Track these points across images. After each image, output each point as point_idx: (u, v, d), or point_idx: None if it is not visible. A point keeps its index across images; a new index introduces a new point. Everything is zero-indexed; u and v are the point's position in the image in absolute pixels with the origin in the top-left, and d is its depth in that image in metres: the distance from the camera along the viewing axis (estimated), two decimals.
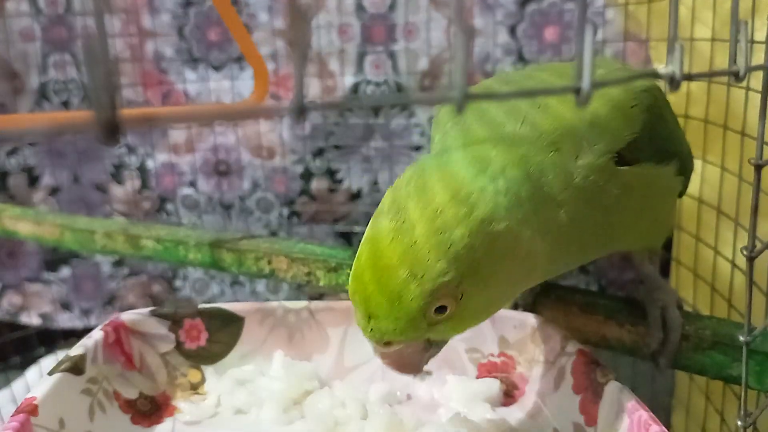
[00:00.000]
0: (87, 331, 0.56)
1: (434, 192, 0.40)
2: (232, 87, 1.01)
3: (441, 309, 0.40)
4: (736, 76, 0.26)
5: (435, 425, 0.50)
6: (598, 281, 0.99)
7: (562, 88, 0.21)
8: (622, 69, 0.53)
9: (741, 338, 0.31)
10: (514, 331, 0.57)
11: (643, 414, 0.42)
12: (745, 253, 0.30)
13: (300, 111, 0.18)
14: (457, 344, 0.58)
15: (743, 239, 0.61)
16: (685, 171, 0.52)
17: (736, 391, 0.61)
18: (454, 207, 0.39)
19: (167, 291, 1.11)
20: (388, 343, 0.42)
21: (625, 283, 1.00)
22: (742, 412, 0.31)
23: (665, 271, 0.81)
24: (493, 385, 0.55)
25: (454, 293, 0.39)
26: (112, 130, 0.16)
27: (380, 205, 0.42)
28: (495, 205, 0.39)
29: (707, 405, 0.68)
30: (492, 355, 0.58)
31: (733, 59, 0.25)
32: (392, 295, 0.39)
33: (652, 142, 0.46)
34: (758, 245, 0.32)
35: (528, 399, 0.55)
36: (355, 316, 0.42)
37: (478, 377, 0.57)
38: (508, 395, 0.56)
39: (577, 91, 0.21)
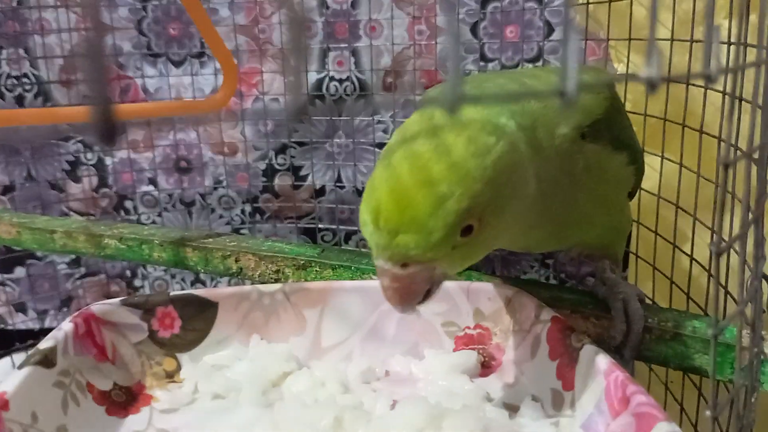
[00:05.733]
0: (44, 332, 0.55)
1: (463, 123, 0.42)
2: (193, 82, 1.00)
3: (467, 230, 0.41)
4: (709, 79, 0.27)
5: (415, 399, 0.50)
6: (557, 275, 1.01)
7: (549, 91, 0.22)
8: (592, 70, 0.56)
9: (710, 331, 0.32)
10: (489, 303, 0.58)
11: (620, 375, 0.43)
12: (712, 248, 0.31)
13: (301, 112, 0.18)
14: (432, 318, 0.58)
15: (701, 234, 0.63)
16: (636, 163, 0.56)
17: (696, 381, 0.63)
18: (485, 136, 0.42)
19: (126, 291, 1.09)
20: (405, 265, 0.41)
21: (583, 277, 1.02)
22: (711, 403, 0.32)
23: (624, 265, 0.83)
24: (470, 357, 0.56)
25: (480, 216, 0.41)
26: (111, 130, 0.16)
27: (389, 143, 0.45)
28: (516, 138, 0.44)
29: (667, 394, 0.70)
30: (468, 327, 0.58)
31: (707, 62, 0.26)
32: (429, 209, 0.39)
33: (610, 129, 0.52)
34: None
35: (505, 368, 0.56)
36: (370, 240, 0.42)
37: (454, 350, 0.58)
38: (486, 366, 0.57)
39: (561, 94, 0.22)
